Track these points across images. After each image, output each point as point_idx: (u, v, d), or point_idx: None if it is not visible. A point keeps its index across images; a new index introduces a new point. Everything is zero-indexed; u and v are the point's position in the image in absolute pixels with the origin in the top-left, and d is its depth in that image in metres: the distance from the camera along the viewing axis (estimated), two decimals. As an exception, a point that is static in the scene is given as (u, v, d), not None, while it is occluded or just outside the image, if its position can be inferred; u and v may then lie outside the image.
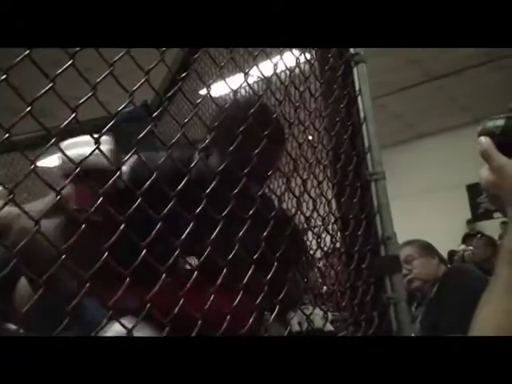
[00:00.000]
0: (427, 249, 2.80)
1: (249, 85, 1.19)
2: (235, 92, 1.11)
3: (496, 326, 0.73)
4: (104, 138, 0.93)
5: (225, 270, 1.00)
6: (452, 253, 5.23)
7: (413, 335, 2.36)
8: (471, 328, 0.77)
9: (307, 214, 1.34)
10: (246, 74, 1.13)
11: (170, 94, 1.46)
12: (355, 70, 1.56)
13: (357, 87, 1.56)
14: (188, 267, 1.14)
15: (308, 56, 1.50)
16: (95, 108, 0.95)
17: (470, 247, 4.53)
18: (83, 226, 0.79)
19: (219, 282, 1.00)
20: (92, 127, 0.99)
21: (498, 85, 6.66)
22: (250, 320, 1.06)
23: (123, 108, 0.91)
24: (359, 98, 1.55)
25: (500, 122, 0.85)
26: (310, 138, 1.50)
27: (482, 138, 0.85)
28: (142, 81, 0.91)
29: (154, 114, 1.11)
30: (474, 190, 7.83)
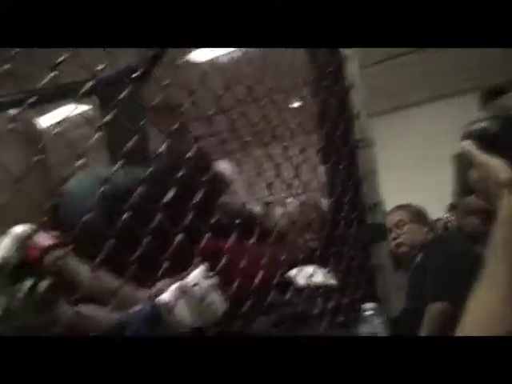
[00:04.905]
0: (419, 215, 2.80)
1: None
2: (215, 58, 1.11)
3: (487, 312, 0.80)
4: None
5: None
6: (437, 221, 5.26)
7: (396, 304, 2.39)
8: (464, 315, 0.82)
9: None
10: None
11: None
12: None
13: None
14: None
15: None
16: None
17: (453, 217, 4.54)
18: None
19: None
20: (75, 90, 0.97)
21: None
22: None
23: (102, 69, 0.89)
24: (347, 64, 1.53)
25: (478, 126, 0.94)
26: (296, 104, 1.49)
27: (464, 142, 0.93)
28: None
29: (134, 76, 1.08)
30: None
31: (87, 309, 1.00)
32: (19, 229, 1.07)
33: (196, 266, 1.09)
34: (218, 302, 1.10)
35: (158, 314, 1.06)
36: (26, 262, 1.07)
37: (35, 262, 1.08)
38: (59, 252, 0.94)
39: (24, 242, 1.08)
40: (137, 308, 1.06)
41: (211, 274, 1.09)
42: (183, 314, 1.07)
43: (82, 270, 1.05)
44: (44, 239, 1.12)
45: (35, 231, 1.13)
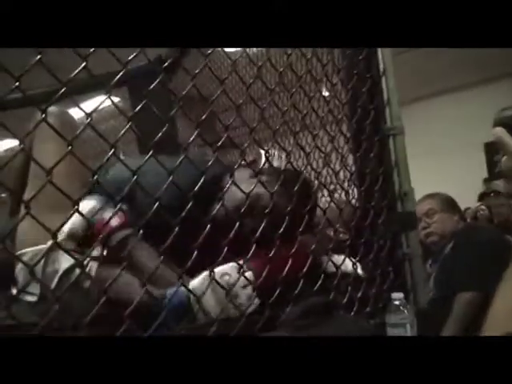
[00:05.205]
0: (449, 204, 2.76)
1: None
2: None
3: None
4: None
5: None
6: (467, 210, 5.16)
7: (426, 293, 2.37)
8: (492, 306, 0.80)
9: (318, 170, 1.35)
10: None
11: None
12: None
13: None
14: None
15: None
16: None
17: (483, 206, 4.46)
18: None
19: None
20: (105, 81, 0.97)
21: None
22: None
23: (133, 59, 0.89)
24: (379, 51, 1.51)
25: (510, 112, 0.90)
26: (326, 93, 1.48)
27: (496, 128, 0.89)
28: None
29: (165, 65, 1.08)
30: (491, 148, 7.70)
31: (126, 277, 1.01)
32: (88, 204, 1.08)
33: (229, 261, 1.10)
34: (246, 297, 1.11)
35: (188, 303, 1.07)
36: (92, 236, 1.09)
37: (102, 237, 1.09)
38: (126, 232, 0.95)
39: (92, 216, 1.10)
40: (171, 291, 1.06)
41: (244, 268, 1.09)
42: (211, 304, 1.08)
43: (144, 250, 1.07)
44: (113, 217, 1.13)
45: (103, 208, 1.14)
